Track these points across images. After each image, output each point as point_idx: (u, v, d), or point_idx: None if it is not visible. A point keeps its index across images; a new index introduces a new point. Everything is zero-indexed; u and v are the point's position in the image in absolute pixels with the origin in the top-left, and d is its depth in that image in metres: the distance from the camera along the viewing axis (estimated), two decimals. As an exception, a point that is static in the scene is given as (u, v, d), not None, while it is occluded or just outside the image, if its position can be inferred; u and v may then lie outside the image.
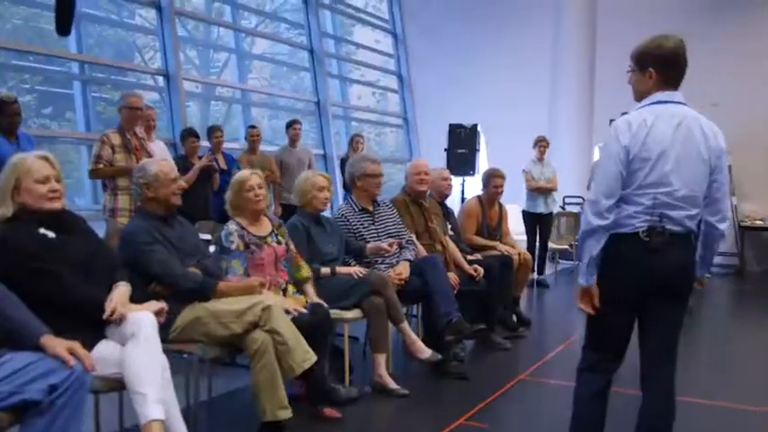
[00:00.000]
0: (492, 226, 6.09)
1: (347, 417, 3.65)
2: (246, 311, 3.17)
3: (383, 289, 4.20)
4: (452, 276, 4.82)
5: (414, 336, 4.36)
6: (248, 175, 3.88)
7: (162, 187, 3.35)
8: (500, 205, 6.22)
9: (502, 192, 6.08)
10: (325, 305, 3.82)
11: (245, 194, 3.82)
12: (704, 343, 6.17)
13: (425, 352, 4.30)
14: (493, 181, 6.04)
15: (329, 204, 4.74)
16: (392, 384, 4.13)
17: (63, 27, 5.63)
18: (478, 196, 6.20)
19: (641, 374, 2.81)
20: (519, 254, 6.01)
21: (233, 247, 3.71)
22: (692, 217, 2.67)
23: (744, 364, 5.45)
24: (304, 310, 3.57)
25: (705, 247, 2.80)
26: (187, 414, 3.00)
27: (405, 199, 5.23)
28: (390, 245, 4.55)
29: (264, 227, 3.93)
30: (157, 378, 2.61)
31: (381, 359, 4.17)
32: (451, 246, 5.31)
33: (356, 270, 4.27)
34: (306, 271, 4.02)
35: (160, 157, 4.54)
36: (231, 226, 3.80)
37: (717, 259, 9.68)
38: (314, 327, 3.51)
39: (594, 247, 2.65)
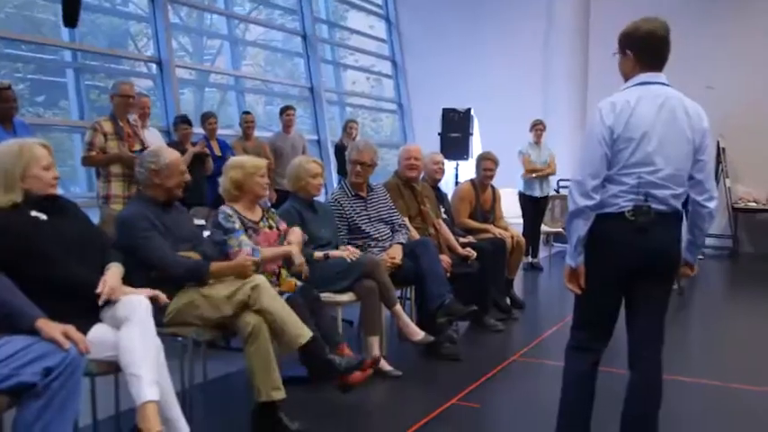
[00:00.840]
0: (485, 209, 6.12)
1: (341, 398, 3.68)
2: (236, 292, 3.19)
3: (376, 272, 4.24)
4: (445, 259, 4.86)
5: (407, 318, 4.40)
6: (263, 163, 3.95)
7: (172, 177, 3.40)
8: (493, 189, 6.25)
9: (492, 175, 6.10)
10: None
11: (258, 179, 3.87)
12: (697, 323, 6.24)
13: (418, 334, 4.35)
14: (483, 164, 6.06)
15: (323, 190, 4.76)
16: (386, 366, 4.18)
17: (71, 18, 5.65)
18: (472, 180, 6.22)
19: (629, 354, 2.84)
20: (512, 237, 6.05)
21: (236, 226, 3.71)
22: (676, 196, 2.70)
23: (736, 344, 5.51)
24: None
25: (695, 227, 2.81)
26: (182, 396, 3.04)
27: (397, 183, 5.26)
28: (348, 254, 4.34)
29: (256, 212, 3.95)
30: (152, 360, 2.64)
31: (375, 341, 4.20)
32: (444, 229, 5.35)
33: (349, 253, 4.30)
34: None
35: (155, 145, 4.57)
36: (227, 209, 3.82)
37: (711, 241, 9.87)
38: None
39: (582, 228, 2.68)
